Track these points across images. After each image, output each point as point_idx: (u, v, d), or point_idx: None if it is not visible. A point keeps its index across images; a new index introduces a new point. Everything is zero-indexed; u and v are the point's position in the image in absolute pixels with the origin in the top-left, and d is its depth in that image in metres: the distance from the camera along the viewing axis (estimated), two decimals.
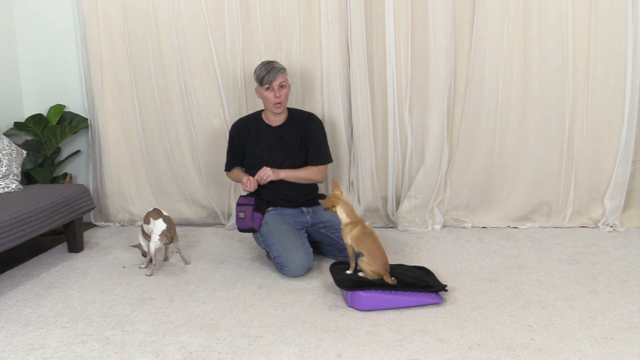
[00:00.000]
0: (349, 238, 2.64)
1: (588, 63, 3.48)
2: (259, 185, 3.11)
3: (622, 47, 3.42)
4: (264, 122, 3.21)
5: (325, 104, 3.68)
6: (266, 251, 3.11)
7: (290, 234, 3.00)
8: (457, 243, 3.41)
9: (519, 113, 3.59)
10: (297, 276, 2.91)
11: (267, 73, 3.03)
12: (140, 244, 3.13)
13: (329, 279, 2.83)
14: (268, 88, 3.06)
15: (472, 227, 3.72)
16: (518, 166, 3.66)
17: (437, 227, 3.70)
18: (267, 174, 3.06)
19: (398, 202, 3.78)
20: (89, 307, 2.63)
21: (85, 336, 2.33)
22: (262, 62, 3.13)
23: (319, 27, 3.59)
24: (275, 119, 3.19)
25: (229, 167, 3.31)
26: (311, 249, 3.01)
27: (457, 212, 3.76)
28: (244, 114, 3.74)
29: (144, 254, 3.15)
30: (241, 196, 3.24)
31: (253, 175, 3.10)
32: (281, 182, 3.12)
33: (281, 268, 2.93)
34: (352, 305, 2.51)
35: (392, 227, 3.78)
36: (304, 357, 2.12)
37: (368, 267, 2.55)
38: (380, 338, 2.24)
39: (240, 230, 3.16)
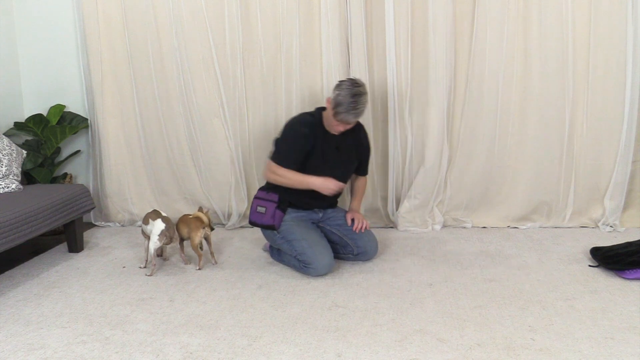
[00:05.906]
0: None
1: (588, 63, 3.48)
2: (282, 188, 2.98)
3: (622, 47, 3.42)
4: (324, 127, 2.97)
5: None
6: (272, 248, 3.12)
7: (313, 232, 2.97)
8: (457, 243, 3.41)
9: (519, 113, 3.59)
10: (320, 275, 2.88)
11: (346, 112, 2.79)
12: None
13: (329, 278, 2.83)
14: (339, 121, 2.86)
15: (472, 227, 3.72)
16: (518, 166, 3.66)
17: (437, 227, 3.70)
18: (364, 224, 3.10)
19: (398, 202, 3.78)
20: (89, 307, 2.63)
21: (85, 336, 2.33)
22: (350, 93, 2.79)
23: (319, 27, 3.59)
24: None
25: (288, 164, 2.91)
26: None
27: (457, 212, 3.76)
28: (244, 114, 3.75)
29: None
30: (260, 189, 3.10)
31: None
32: (311, 191, 2.96)
33: (305, 266, 2.89)
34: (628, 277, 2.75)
35: (392, 227, 3.78)
36: (304, 357, 2.12)
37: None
38: (380, 338, 2.24)
39: (253, 224, 3.06)
